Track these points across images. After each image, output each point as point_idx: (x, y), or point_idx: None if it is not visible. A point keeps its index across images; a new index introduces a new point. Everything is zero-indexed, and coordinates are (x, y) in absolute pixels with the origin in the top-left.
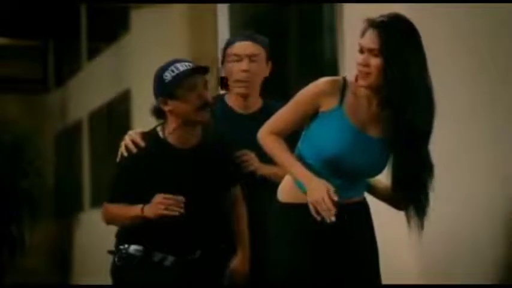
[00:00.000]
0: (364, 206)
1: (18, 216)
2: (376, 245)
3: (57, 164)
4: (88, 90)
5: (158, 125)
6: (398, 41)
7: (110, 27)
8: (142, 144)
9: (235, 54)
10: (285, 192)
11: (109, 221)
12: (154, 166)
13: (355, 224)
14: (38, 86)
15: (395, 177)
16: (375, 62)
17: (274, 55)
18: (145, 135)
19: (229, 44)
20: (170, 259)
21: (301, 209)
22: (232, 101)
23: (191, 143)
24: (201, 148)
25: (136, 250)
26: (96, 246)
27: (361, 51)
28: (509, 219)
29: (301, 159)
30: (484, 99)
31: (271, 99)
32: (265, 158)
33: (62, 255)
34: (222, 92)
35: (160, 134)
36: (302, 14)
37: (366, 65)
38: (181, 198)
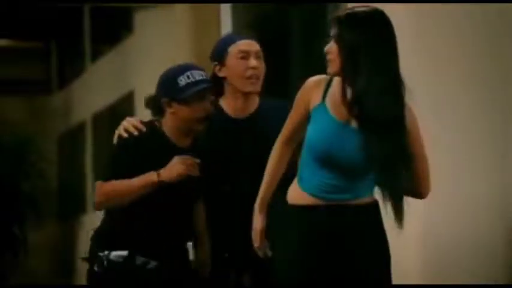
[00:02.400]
0: (374, 208)
1: (21, 217)
2: (387, 248)
3: (60, 165)
4: (91, 92)
5: (154, 120)
6: (351, 27)
7: (113, 28)
8: (144, 128)
9: (242, 51)
10: (292, 195)
11: (107, 198)
12: (151, 154)
13: (364, 226)
14: (41, 88)
15: (367, 159)
16: (333, 47)
17: (277, 55)
18: (143, 123)
19: (230, 42)
20: (153, 263)
21: (306, 210)
22: (228, 103)
23: (186, 142)
24: (193, 148)
25: (119, 256)
26: (81, 256)
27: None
28: (509, 219)
29: (302, 158)
30: (484, 99)
31: (272, 98)
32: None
33: (64, 257)
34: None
35: (158, 126)
36: (305, 15)
37: (328, 51)
38: (197, 160)
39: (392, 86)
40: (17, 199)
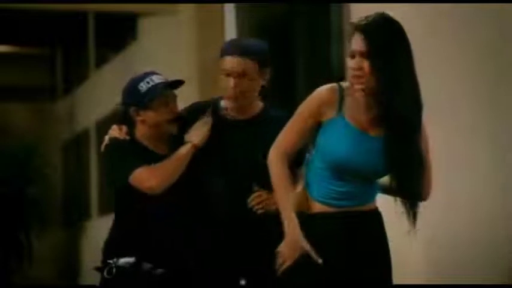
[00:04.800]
0: (378, 215)
1: (26, 224)
2: (389, 254)
3: (64, 172)
4: (96, 98)
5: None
6: (384, 42)
7: (118, 35)
8: (127, 137)
9: (224, 70)
10: (301, 204)
11: (159, 180)
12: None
13: (372, 231)
14: (46, 94)
15: (389, 169)
16: (367, 64)
17: (281, 61)
18: (126, 132)
19: (221, 55)
20: (159, 271)
21: (317, 218)
22: (228, 104)
23: (163, 147)
24: (171, 153)
25: (126, 262)
26: (95, 266)
27: (352, 56)
28: (509, 220)
29: (312, 166)
30: (484, 99)
31: (276, 103)
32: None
33: (69, 263)
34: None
35: (134, 135)
36: (310, 20)
37: (359, 68)
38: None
39: (418, 93)
40: (22, 206)
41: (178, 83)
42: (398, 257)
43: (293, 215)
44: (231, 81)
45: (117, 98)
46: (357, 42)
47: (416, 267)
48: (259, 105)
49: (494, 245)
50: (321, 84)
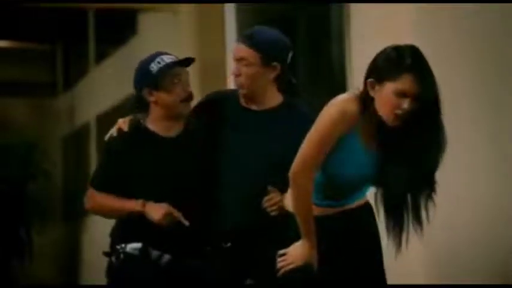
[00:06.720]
0: (369, 208)
1: (27, 220)
2: (380, 245)
3: (65, 167)
4: (96, 94)
5: (140, 117)
6: (433, 85)
7: (118, 30)
8: (125, 128)
9: (233, 56)
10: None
11: (95, 211)
12: (135, 151)
13: (363, 228)
14: (46, 90)
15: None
16: (413, 106)
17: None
18: (129, 123)
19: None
20: (166, 257)
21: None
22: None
23: (173, 131)
24: (184, 136)
25: (134, 249)
26: (103, 250)
27: (404, 95)
28: (509, 220)
29: None
30: (484, 99)
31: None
32: None
33: (69, 258)
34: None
35: (142, 122)
36: (310, 21)
37: (405, 109)
38: (181, 218)
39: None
40: (22, 202)
41: (189, 61)
42: (397, 256)
43: (314, 230)
44: (234, 68)
45: (117, 93)
46: (410, 83)
47: (415, 267)
48: (278, 98)
49: (494, 245)
50: (321, 85)
